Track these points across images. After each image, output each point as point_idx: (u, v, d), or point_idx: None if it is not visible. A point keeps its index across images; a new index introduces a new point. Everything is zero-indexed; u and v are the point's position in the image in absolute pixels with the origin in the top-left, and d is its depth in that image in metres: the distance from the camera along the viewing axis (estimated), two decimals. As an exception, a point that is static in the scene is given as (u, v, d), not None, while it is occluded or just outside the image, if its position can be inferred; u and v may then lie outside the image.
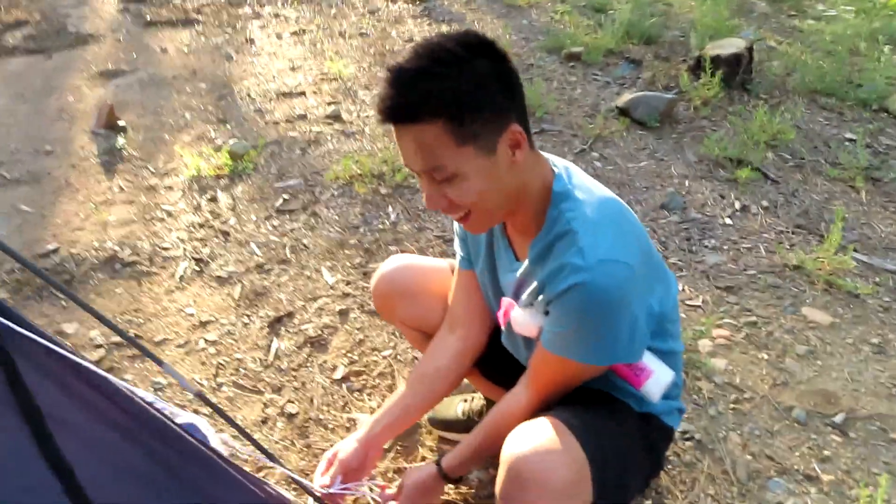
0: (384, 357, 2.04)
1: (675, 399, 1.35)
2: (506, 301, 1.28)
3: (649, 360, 1.20)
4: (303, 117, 3.44)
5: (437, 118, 1.00)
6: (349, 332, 2.14)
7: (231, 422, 1.23)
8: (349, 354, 2.06)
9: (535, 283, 1.19)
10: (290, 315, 2.21)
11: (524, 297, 1.23)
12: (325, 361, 2.03)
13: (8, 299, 2.29)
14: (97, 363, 2.04)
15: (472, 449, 1.34)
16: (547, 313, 1.16)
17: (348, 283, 2.34)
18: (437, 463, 1.36)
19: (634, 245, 1.12)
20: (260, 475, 1.65)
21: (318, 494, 1.40)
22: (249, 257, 2.48)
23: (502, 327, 1.34)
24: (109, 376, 1.04)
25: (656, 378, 1.21)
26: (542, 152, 1.19)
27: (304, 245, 2.53)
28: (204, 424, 1.83)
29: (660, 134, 3.23)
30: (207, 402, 1.20)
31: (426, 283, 1.56)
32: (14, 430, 0.85)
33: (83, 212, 2.76)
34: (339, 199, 2.78)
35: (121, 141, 3.25)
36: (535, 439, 1.09)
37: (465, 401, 1.79)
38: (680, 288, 2.28)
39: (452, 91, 1.00)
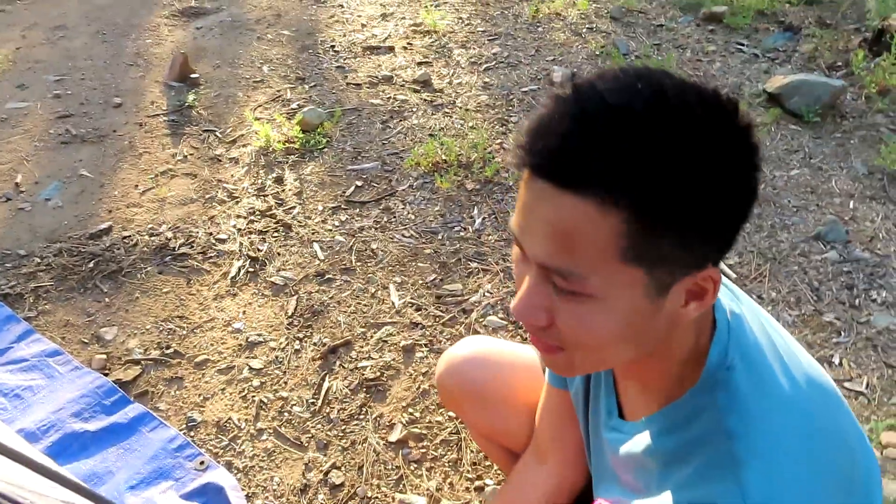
0: (451, 418, 1.69)
1: None
2: (600, 498, 0.88)
3: None
4: (388, 80, 3.03)
5: (620, 208, 0.58)
6: (413, 377, 1.79)
7: None
8: (410, 410, 1.72)
9: (645, 486, 0.78)
10: (347, 344, 1.89)
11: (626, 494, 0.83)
12: (381, 416, 1.71)
13: (48, 285, 2.08)
14: (131, 382, 1.81)
15: None
16: None
17: (418, 310, 1.97)
18: None
19: (830, 488, 0.68)
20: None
21: None
22: (310, 261, 2.15)
23: None
24: None
25: None
26: None
27: (373, 251, 2.18)
28: (232, 484, 1.57)
29: (819, 132, 2.60)
30: None
31: (508, 386, 1.17)
32: None
33: (143, 183, 2.51)
34: (418, 192, 2.39)
35: (191, 97, 2.96)
36: None
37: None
38: (836, 361, 1.78)
39: (671, 178, 0.57)
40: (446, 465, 1.59)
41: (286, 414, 1.72)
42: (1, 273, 2.14)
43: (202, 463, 1.63)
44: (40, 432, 1.72)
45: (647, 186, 0.57)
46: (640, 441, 0.79)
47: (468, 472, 1.57)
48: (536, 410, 1.13)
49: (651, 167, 0.56)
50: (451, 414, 1.69)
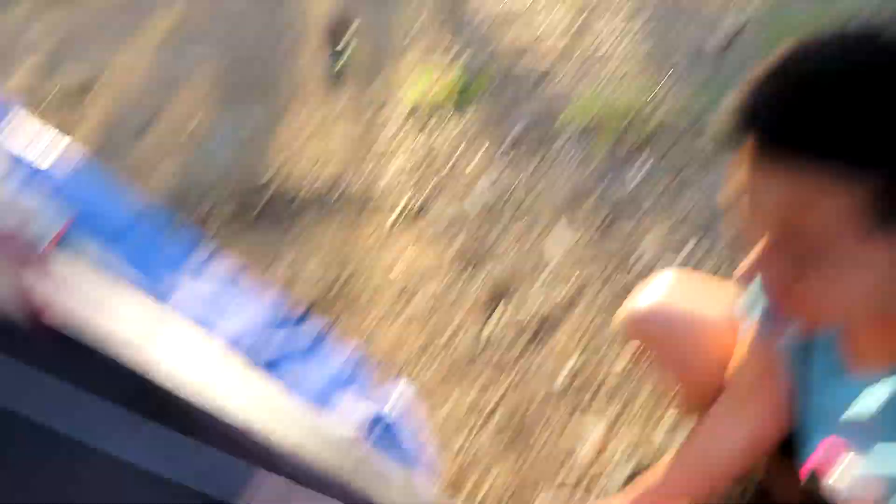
0: (626, 354, 1.65)
1: None
2: (833, 440, 0.81)
3: None
4: (540, 36, 2.96)
5: (867, 177, 0.53)
6: (578, 326, 1.77)
7: None
8: (581, 347, 1.69)
9: (876, 440, 0.72)
10: (509, 291, 1.88)
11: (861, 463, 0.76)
12: (543, 364, 1.70)
13: (224, 222, 2.23)
14: (309, 307, 1.91)
15: None
16: None
17: (586, 244, 1.94)
18: None
19: None
20: None
21: None
22: (468, 211, 2.17)
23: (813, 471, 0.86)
24: None
25: None
26: None
27: (535, 197, 2.15)
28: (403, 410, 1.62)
29: None
30: None
31: (695, 341, 1.11)
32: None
33: (304, 134, 2.62)
34: (576, 145, 2.33)
35: (348, 52, 3.04)
36: None
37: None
38: None
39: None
40: (621, 401, 1.56)
41: (448, 357, 1.75)
42: (185, 209, 2.32)
43: (371, 392, 1.70)
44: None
45: None
46: (871, 396, 0.73)
47: (645, 408, 1.54)
48: (730, 361, 1.08)
49: None
50: (618, 364, 1.65)
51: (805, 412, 0.91)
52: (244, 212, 2.27)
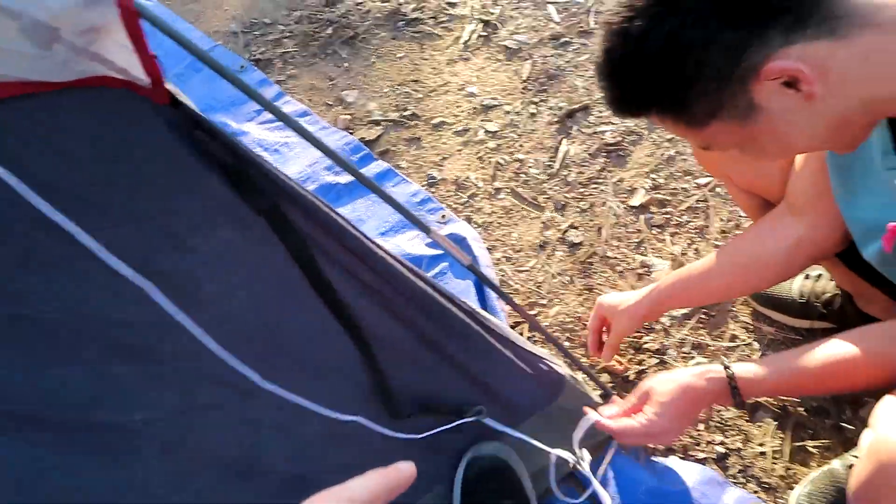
0: (698, 186, 1.57)
1: None
2: (892, 223, 0.76)
3: None
4: None
5: (647, 112, 0.76)
6: (657, 143, 1.67)
7: (511, 303, 0.97)
8: (653, 175, 1.62)
9: None
10: (585, 109, 1.79)
11: None
12: (621, 180, 1.63)
13: (293, 51, 2.18)
14: (374, 141, 1.89)
15: (787, 378, 0.92)
16: None
17: None
18: (728, 372, 0.95)
19: None
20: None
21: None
22: (545, 24, 2.02)
23: (884, 252, 0.81)
24: (366, 239, 0.85)
25: None
26: None
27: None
28: (473, 236, 1.62)
29: None
30: (482, 278, 0.96)
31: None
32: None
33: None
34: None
35: None
36: None
37: (807, 277, 1.30)
38: None
39: (640, 78, 0.72)
40: (692, 231, 1.51)
41: (523, 175, 1.71)
42: (252, 41, 2.28)
43: (444, 216, 1.70)
44: (299, 183, 1.88)
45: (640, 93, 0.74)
46: None
47: (717, 239, 1.48)
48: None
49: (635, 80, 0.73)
50: (698, 181, 1.57)
51: (864, 213, 0.85)
52: (314, 37, 2.20)
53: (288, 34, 2.25)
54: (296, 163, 1.90)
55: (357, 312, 0.85)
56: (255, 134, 1.96)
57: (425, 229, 0.87)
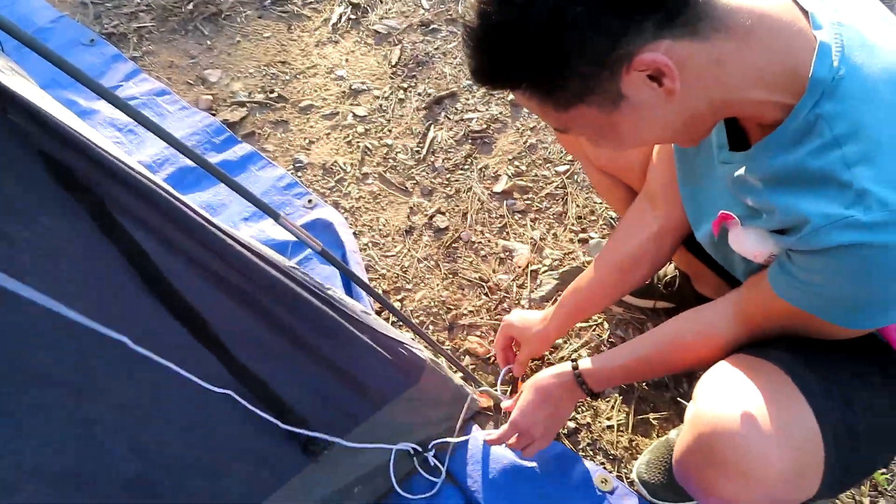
0: (557, 174, 1.64)
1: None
2: (722, 211, 0.83)
3: None
4: None
5: (516, 86, 0.73)
6: (520, 131, 1.73)
7: (388, 306, 0.98)
8: (516, 162, 1.67)
9: (760, 205, 0.76)
10: (452, 96, 1.81)
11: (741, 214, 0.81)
12: (486, 167, 1.67)
13: (150, 26, 2.06)
14: (238, 123, 1.82)
15: (627, 364, 1.00)
16: (788, 257, 0.75)
17: None
18: (575, 368, 1.03)
19: None
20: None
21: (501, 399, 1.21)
22: (414, 10, 2.02)
23: (713, 235, 0.89)
24: (217, 229, 0.82)
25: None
26: None
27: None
28: (340, 221, 1.61)
29: None
30: (335, 263, 0.95)
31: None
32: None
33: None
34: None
35: None
36: (745, 403, 0.76)
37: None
38: None
39: (516, 48, 0.67)
40: (551, 217, 1.58)
41: (391, 160, 1.71)
42: (104, 12, 2.12)
43: (310, 201, 1.67)
44: (156, 165, 1.77)
45: (513, 65, 0.70)
46: (751, 165, 0.76)
47: (573, 224, 1.55)
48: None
49: (508, 52, 0.68)
50: (557, 169, 1.64)
51: (691, 179, 0.94)
52: (173, 12, 2.08)
53: (144, 7, 2.12)
54: (153, 145, 1.79)
55: (206, 309, 0.82)
56: (107, 113, 1.83)
57: (274, 215, 0.86)
